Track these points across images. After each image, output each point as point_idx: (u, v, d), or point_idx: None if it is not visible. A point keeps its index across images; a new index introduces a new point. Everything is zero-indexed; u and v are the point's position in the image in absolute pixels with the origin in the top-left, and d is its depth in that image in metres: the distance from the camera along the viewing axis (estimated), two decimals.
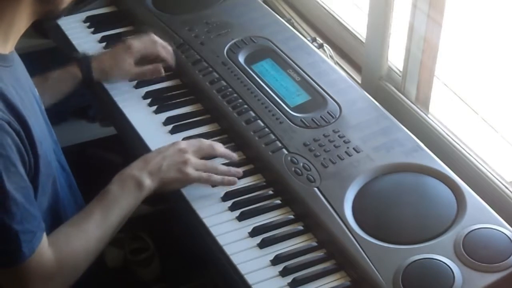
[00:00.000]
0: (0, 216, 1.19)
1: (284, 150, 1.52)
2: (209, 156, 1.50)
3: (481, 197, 1.39)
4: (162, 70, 1.71)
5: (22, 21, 1.27)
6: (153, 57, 1.73)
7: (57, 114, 1.86)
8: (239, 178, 1.49)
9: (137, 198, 1.40)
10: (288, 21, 1.97)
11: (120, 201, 1.38)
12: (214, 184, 1.47)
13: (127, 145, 1.69)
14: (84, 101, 2.28)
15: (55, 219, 1.38)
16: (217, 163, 1.50)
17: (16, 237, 1.21)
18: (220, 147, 1.52)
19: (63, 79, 1.65)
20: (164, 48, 1.74)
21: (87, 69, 1.66)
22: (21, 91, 1.31)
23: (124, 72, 1.69)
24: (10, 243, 1.21)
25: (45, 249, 1.28)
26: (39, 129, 1.33)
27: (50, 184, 1.36)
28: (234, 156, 1.52)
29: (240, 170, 1.50)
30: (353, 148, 1.50)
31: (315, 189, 1.43)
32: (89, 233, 1.34)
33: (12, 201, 1.19)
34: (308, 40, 1.87)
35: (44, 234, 1.28)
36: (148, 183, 1.41)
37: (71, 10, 1.38)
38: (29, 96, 1.36)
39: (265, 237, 1.39)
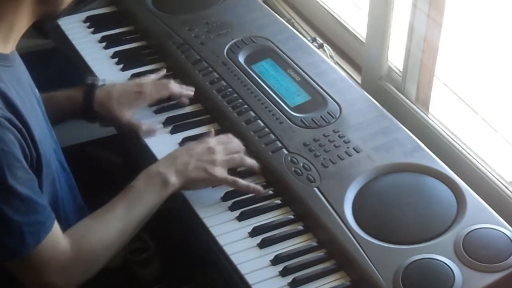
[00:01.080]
0: (3, 210, 1.20)
1: (284, 150, 1.52)
2: (236, 152, 1.50)
3: (481, 197, 1.39)
4: (156, 131, 1.62)
5: (22, 21, 1.28)
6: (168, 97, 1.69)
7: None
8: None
9: (161, 195, 1.41)
10: (288, 21, 1.98)
11: (144, 197, 1.39)
12: (239, 189, 1.47)
13: (127, 145, 1.69)
14: None
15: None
16: (244, 156, 1.50)
17: (19, 230, 1.22)
18: (242, 146, 1.52)
19: (64, 104, 1.62)
20: (178, 88, 1.69)
21: (89, 99, 1.62)
22: (22, 91, 1.31)
23: (123, 116, 1.63)
24: (13, 235, 1.22)
25: (60, 239, 1.29)
26: (40, 129, 1.33)
27: (50, 184, 1.36)
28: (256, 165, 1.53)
29: (258, 165, 1.51)
30: (353, 148, 1.50)
31: (315, 189, 1.43)
32: (110, 226, 1.34)
33: (15, 196, 1.20)
34: (308, 40, 1.87)
35: (56, 224, 1.28)
36: (174, 181, 1.41)
37: (71, 10, 1.37)
38: (30, 96, 1.36)
39: (265, 237, 1.39)
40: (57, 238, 1.29)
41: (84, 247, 1.32)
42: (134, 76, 1.77)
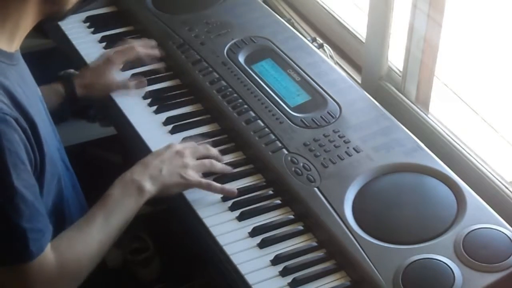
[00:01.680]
0: (8, 213, 1.19)
1: (284, 150, 1.52)
2: (205, 157, 1.51)
3: (481, 197, 1.39)
4: (145, 82, 1.71)
5: (28, 21, 1.28)
6: (138, 61, 1.76)
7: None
8: (234, 179, 1.51)
9: (138, 202, 1.41)
10: (288, 21, 1.97)
11: (122, 205, 1.39)
12: (213, 192, 1.47)
13: (127, 145, 1.70)
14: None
15: (60, 219, 1.38)
16: (214, 161, 1.51)
17: (24, 235, 1.21)
18: (213, 149, 1.54)
19: (50, 98, 1.61)
20: (143, 47, 1.76)
21: (70, 86, 1.66)
22: (27, 90, 1.31)
23: (106, 85, 1.70)
24: (17, 240, 1.21)
25: (48, 252, 1.27)
26: (45, 128, 1.33)
27: (55, 183, 1.36)
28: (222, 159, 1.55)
29: (230, 168, 1.52)
30: (353, 148, 1.50)
31: (315, 189, 1.43)
32: (92, 237, 1.34)
33: (20, 199, 1.19)
34: (308, 40, 1.87)
35: (50, 237, 1.28)
36: (149, 187, 1.41)
37: (76, 9, 1.38)
38: (34, 95, 1.37)
39: (265, 237, 1.39)
40: (46, 251, 1.27)
41: (69, 259, 1.31)
42: (134, 75, 1.77)
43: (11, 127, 1.19)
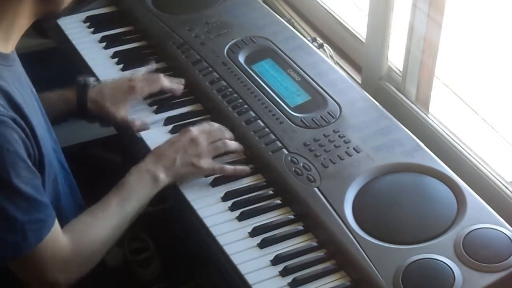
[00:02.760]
0: (7, 209, 1.21)
1: (284, 150, 1.52)
2: (219, 140, 1.53)
3: (481, 197, 1.39)
4: (149, 126, 1.65)
5: (23, 21, 1.28)
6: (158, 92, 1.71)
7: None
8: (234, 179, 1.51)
9: (152, 191, 1.44)
10: (288, 21, 1.97)
11: (136, 192, 1.42)
12: (227, 175, 1.49)
13: (127, 145, 1.69)
14: None
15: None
16: (226, 141, 1.53)
17: (22, 228, 1.23)
18: (227, 131, 1.56)
19: (58, 104, 1.62)
20: (168, 82, 1.70)
21: (83, 98, 1.63)
22: (23, 90, 1.32)
23: (116, 114, 1.64)
24: (16, 234, 1.24)
25: (60, 236, 1.31)
26: (41, 128, 1.34)
27: (51, 183, 1.37)
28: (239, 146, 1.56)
29: (242, 147, 1.54)
30: (353, 148, 1.50)
31: (315, 189, 1.43)
32: (106, 222, 1.38)
33: (19, 195, 1.22)
34: (308, 40, 1.87)
35: (56, 222, 1.31)
36: (163, 177, 1.45)
37: (71, 10, 1.37)
38: (30, 95, 1.37)
39: (265, 237, 1.39)
40: (57, 235, 1.31)
41: (83, 243, 1.35)
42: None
43: (9, 127, 1.20)
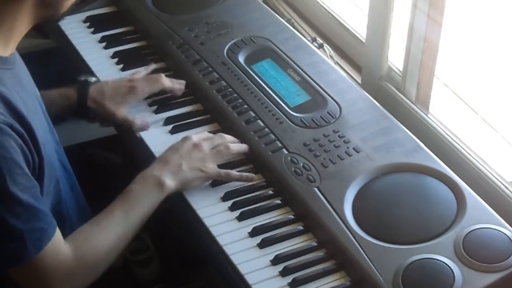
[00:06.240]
0: (5, 217, 1.19)
1: (284, 150, 1.52)
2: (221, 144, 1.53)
3: (481, 197, 1.39)
4: (149, 125, 1.64)
5: (23, 25, 1.27)
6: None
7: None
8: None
9: (158, 198, 1.42)
10: (288, 21, 1.98)
11: (142, 200, 1.40)
12: (233, 181, 1.49)
13: (127, 145, 1.69)
14: None
15: (58, 221, 1.38)
16: (229, 145, 1.52)
17: (21, 237, 1.21)
18: (227, 136, 1.55)
19: (58, 102, 1.62)
20: (169, 82, 1.70)
21: (83, 97, 1.63)
22: (24, 93, 1.31)
23: (116, 113, 1.63)
24: (15, 242, 1.22)
25: (62, 245, 1.29)
26: (42, 131, 1.33)
27: (53, 186, 1.36)
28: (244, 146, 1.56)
29: (245, 146, 1.54)
30: (353, 148, 1.50)
31: (315, 189, 1.43)
32: (110, 231, 1.36)
33: (16, 203, 1.20)
34: (308, 40, 1.87)
35: (58, 231, 1.29)
36: (169, 183, 1.43)
37: (71, 10, 1.37)
38: (32, 97, 1.36)
39: (265, 237, 1.39)
40: (59, 244, 1.29)
41: (86, 252, 1.32)
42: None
43: (5, 134, 1.18)
